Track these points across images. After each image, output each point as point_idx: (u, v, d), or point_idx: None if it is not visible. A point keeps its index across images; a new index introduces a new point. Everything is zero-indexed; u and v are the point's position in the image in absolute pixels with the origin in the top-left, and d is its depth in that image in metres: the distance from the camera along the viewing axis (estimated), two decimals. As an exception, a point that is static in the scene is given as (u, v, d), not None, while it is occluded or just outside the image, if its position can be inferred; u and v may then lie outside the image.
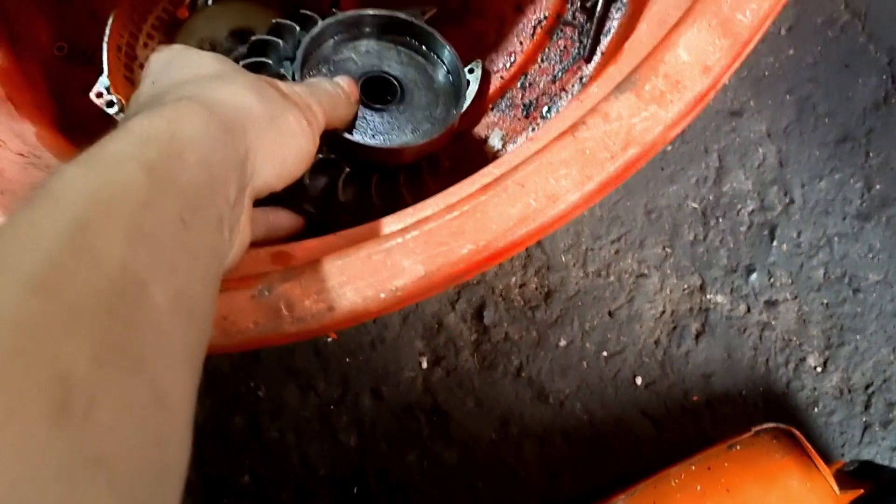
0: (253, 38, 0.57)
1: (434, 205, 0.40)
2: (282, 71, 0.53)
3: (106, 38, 0.67)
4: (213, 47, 0.68)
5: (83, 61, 0.72)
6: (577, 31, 0.67)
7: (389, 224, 0.42)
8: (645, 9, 0.61)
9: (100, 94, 0.64)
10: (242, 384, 0.71)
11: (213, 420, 0.71)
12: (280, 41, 0.55)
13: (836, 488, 0.57)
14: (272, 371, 0.70)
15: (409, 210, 0.43)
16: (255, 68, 0.54)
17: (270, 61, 0.54)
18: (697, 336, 0.68)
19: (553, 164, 0.37)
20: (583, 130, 0.36)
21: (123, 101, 0.65)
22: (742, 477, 0.60)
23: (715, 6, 0.37)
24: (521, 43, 0.67)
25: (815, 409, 0.65)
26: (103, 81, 0.64)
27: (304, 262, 0.40)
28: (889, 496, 0.52)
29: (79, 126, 0.71)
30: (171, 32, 0.69)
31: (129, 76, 0.69)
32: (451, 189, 0.45)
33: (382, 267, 0.37)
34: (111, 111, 0.64)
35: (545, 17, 0.69)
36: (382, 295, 0.37)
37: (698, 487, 0.61)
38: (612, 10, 0.68)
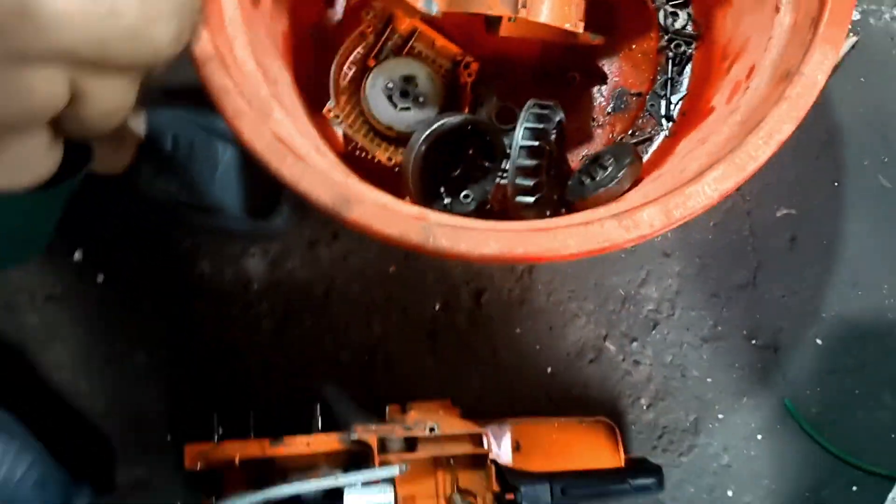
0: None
1: (518, 226, 0.63)
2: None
3: (333, 68, 0.92)
4: (391, 85, 0.88)
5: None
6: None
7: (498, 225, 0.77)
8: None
9: (329, 110, 0.90)
10: (335, 284, 1.04)
11: (317, 287, 1.08)
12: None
13: (622, 462, 0.94)
14: (357, 282, 1.02)
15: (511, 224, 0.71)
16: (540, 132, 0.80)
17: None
18: (590, 362, 0.94)
19: (571, 232, 0.73)
20: (589, 227, 0.68)
21: (340, 114, 0.91)
22: (580, 439, 0.85)
23: (663, 204, 0.68)
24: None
25: (633, 427, 0.91)
26: (331, 103, 0.90)
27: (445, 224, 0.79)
28: (639, 471, 0.90)
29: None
30: (363, 71, 0.91)
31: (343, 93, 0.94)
32: (525, 223, 0.81)
33: (481, 240, 0.72)
34: (336, 123, 0.91)
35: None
36: (477, 252, 0.73)
37: (554, 435, 0.99)
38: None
